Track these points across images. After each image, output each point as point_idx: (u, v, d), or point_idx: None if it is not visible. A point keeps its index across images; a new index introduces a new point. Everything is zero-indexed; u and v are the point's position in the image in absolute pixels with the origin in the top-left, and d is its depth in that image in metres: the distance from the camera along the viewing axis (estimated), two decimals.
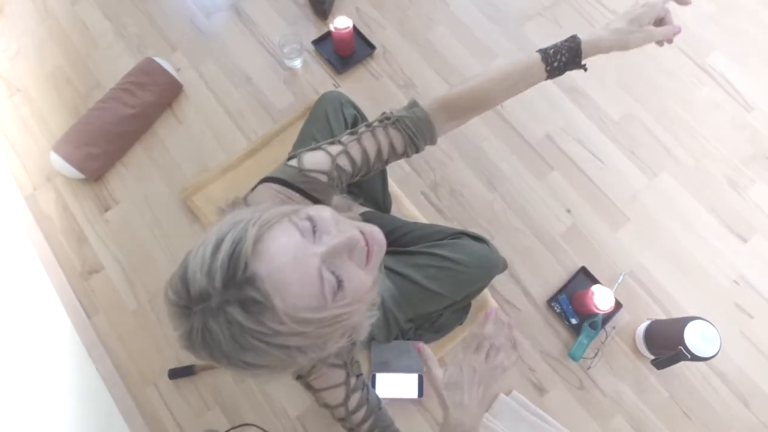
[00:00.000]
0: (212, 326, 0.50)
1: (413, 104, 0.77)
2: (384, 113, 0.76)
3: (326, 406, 0.77)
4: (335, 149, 0.72)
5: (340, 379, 0.76)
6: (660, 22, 0.77)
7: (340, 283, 0.55)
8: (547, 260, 1.36)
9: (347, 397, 0.76)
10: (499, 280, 1.33)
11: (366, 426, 0.79)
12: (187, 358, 1.30)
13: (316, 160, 0.71)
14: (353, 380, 0.78)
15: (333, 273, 0.54)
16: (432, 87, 1.54)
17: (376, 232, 0.61)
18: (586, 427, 1.23)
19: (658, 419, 1.23)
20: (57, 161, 1.40)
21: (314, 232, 0.55)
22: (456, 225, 1.38)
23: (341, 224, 0.59)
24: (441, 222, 1.38)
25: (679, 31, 0.75)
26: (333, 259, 0.55)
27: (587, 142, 1.47)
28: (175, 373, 1.29)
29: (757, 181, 1.43)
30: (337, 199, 0.78)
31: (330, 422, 1.24)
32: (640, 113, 1.50)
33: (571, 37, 0.75)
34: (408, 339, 1.24)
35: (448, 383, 0.77)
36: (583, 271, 1.34)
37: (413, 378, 1.23)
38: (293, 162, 0.71)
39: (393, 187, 1.38)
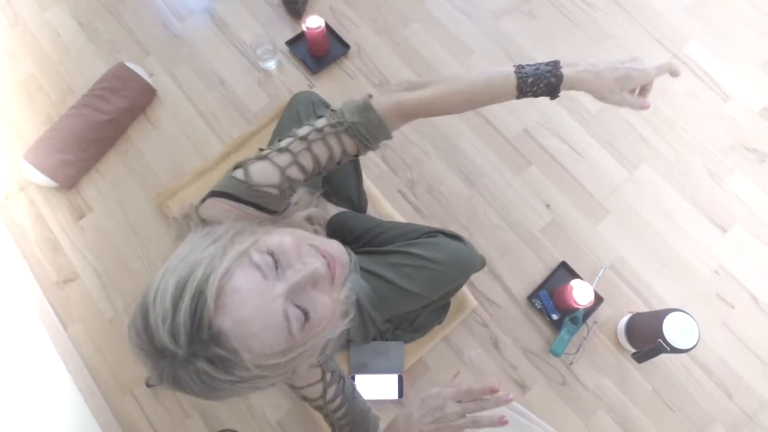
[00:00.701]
0: (181, 375, 0.51)
1: (367, 107, 0.70)
2: (334, 113, 0.70)
3: (305, 399, 0.80)
4: (284, 160, 0.67)
5: (317, 377, 0.77)
6: (643, 86, 0.75)
7: (306, 315, 0.55)
8: (526, 256, 1.35)
9: (324, 391, 0.78)
10: (479, 277, 1.32)
11: (341, 413, 0.81)
12: None
13: (264, 173, 0.66)
14: (329, 375, 0.79)
15: (299, 307, 0.55)
16: None
17: (337, 252, 0.61)
18: (569, 423, 1.22)
19: (642, 413, 1.22)
20: (29, 170, 1.37)
21: (276, 267, 0.55)
22: (434, 223, 1.37)
23: (303, 252, 0.58)
24: (419, 220, 1.37)
25: (647, 107, 0.73)
26: (296, 293, 0.55)
27: (565, 135, 1.46)
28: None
29: (736, 171, 1.42)
30: (299, 195, 0.76)
31: (309, 427, 1.22)
32: None
33: (554, 66, 0.70)
34: (386, 339, 1.23)
35: (425, 395, 0.75)
36: (564, 266, 1.33)
37: (393, 379, 1.22)
38: (239, 174, 0.66)
39: (369, 186, 1.36)
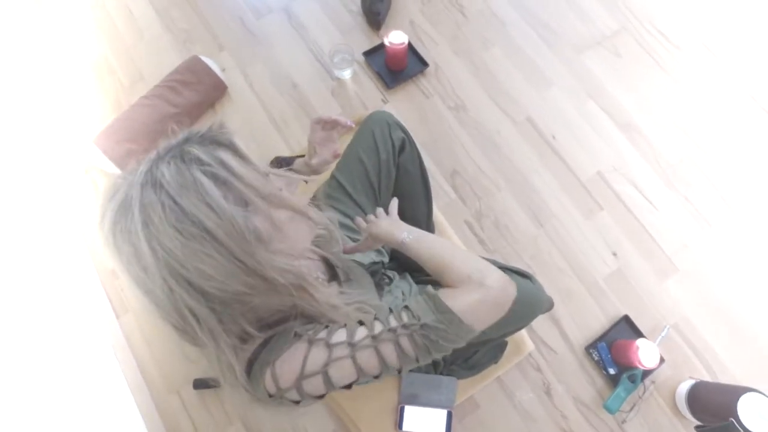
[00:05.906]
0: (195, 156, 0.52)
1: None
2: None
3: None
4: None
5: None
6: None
7: None
8: (588, 304, 1.32)
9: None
10: (538, 320, 1.29)
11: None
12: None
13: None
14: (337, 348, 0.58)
15: None
16: (483, 112, 1.48)
17: None
18: None
19: None
20: (97, 154, 1.37)
21: None
22: (497, 258, 1.34)
23: None
24: (482, 254, 1.34)
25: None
26: None
27: (640, 183, 1.42)
28: (200, 384, 1.27)
29: None
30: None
31: None
32: (699, 158, 1.44)
33: None
34: (440, 374, 1.20)
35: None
36: (626, 319, 1.29)
37: (442, 414, 1.20)
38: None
39: (436, 213, 1.33)
